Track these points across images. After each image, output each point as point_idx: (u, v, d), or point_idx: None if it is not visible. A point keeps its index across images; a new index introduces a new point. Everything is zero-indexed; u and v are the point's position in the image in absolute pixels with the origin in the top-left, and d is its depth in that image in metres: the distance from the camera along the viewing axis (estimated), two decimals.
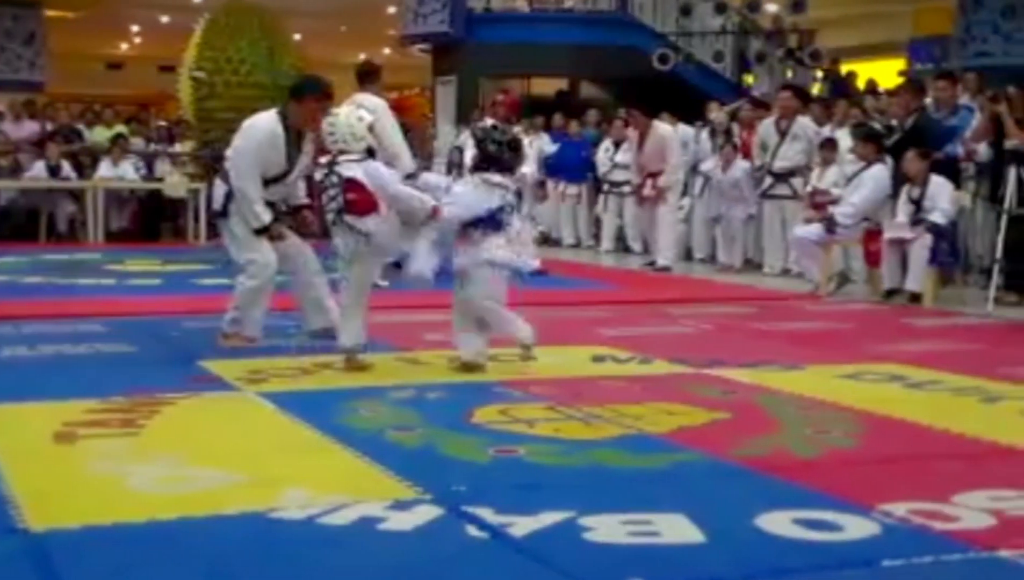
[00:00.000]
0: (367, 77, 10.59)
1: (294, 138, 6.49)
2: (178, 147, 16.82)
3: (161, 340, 7.17)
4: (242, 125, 6.61)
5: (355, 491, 3.90)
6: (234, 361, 6.34)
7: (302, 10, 20.70)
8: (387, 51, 27.98)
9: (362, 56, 30.05)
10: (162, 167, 16.45)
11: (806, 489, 4.01)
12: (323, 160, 6.21)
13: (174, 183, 15.74)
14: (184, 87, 17.05)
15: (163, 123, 18.62)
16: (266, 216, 6.50)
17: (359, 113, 6.32)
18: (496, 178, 6.09)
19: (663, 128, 12.20)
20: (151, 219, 16.21)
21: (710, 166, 12.87)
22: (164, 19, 25.53)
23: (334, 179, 6.05)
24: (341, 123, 6.13)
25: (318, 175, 6.18)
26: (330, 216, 6.10)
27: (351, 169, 6.05)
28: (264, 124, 6.48)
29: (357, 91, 10.93)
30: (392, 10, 21.72)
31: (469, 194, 6.13)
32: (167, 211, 16.43)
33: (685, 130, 13.77)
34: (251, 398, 5.49)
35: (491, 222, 6.05)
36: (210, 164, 15.32)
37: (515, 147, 6.32)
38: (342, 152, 6.07)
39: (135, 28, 28.50)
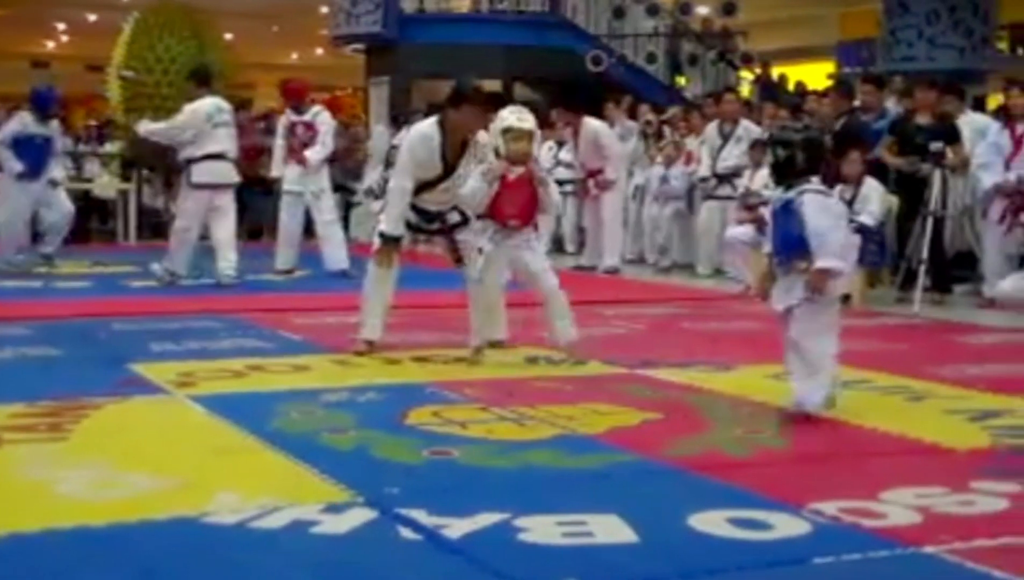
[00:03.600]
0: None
1: (454, 145, 6.47)
2: (108, 147, 16.65)
3: (89, 343, 7.08)
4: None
5: (288, 494, 3.88)
6: (164, 364, 6.28)
7: (233, 10, 20.57)
8: (320, 52, 27.89)
9: (295, 56, 29.97)
10: (91, 167, 16.25)
11: (737, 489, 4.05)
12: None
13: (104, 183, 15.56)
14: (113, 86, 16.84)
15: (93, 123, 18.40)
16: (394, 228, 6.50)
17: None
18: None
19: (593, 123, 12.22)
20: (80, 220, 15.99)
21: (656, 173, 12.94)
22: (92, 17, 25.26)
23: None
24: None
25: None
26: None
27: None
28: (421, 127, 6.57)
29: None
30: (325, 10, 21.61)
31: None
32: (97, 212, 16.24)
33: (628, 125, 13.92)
34: (182, 401, 5.43)
35: None
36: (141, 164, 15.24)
37: None
38: None
39: (61, 26, 28.16)
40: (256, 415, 5.04)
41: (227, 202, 10.30)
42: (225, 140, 10.24)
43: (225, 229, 10.24)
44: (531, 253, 6.53)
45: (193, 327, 7.63)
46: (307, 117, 11.18)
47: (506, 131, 6.38)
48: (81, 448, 4.53)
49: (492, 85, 20.36)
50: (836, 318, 5.18)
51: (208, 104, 10.23)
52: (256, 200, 16.04)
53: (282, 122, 11.48)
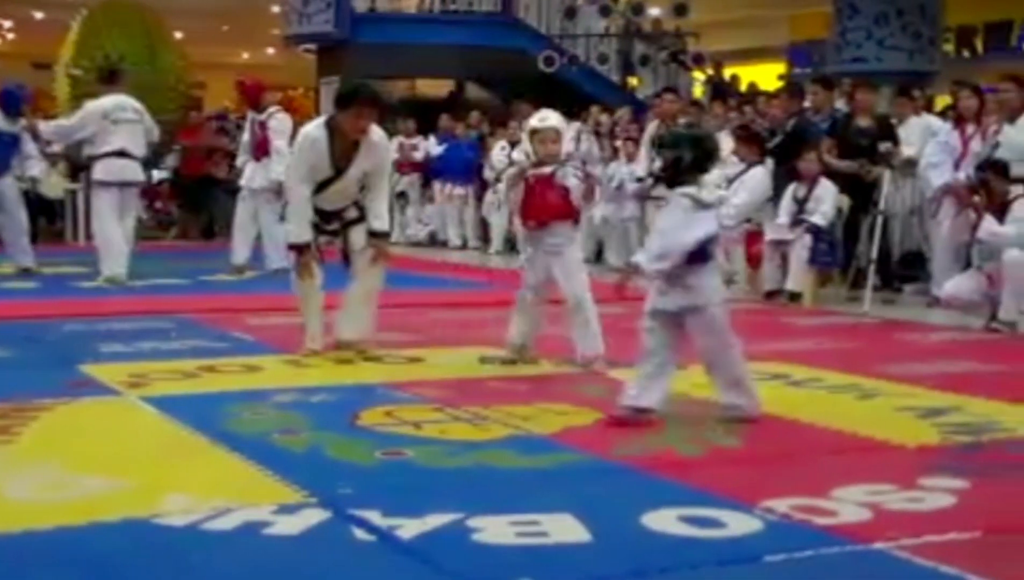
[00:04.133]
0: None
1: (344, 145, 6.39)
2: (56, 147, 16.45)
3: (38, 344, 7.01)
4: None
5: (240, 496, 3.86)
6: (116, 365, 6.23)
7: (184, 9, 20.41)
8: (271, 51, 27.73)
9: (246, 56, 29.76)
10: (39, 166, 16.04)
11: (690, 487, 4.07)
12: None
13: (52, 183, 15.38)
14: (60, 85, 16.68)
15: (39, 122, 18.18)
16: (298, 235, 6.45)
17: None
18: None
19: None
20: (28, 220, 15.80)
21: (613, 170, 12.96)
22: (38, 15, 24.96)
23: None
24: None
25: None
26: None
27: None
28: (308, 129, 6.48)
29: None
30: (276, 10, 21.50)
31: None
32: (45, 212, 16.04)
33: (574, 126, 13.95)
34: (133, 402, 5.39)
35: None
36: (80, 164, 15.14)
37: None
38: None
39: (7, 24, 27.82)
40: (208, 416, 5.01)
41: (130, 199, 10.55)
42: (127, 138, 10.34)
43: (122, 226, 10.41)
44: (559, 258, 6.34)
45: (144, 328, 7.57)
46: (262, 117, 11.26)
47: (533, 134, 6.34)
48: (31, 450, 4.48)
49: (445, 85, 20.48)
50: (726, 321, 5.15)
51: (106, 102, 10.39)
52: (213, 200, 15.99)
53: (249, 119, 11.77)
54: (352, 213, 6.66)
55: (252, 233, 11.42)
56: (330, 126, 6.41)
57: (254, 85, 11.70)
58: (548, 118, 6.35)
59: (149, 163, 12.48)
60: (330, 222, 6.65)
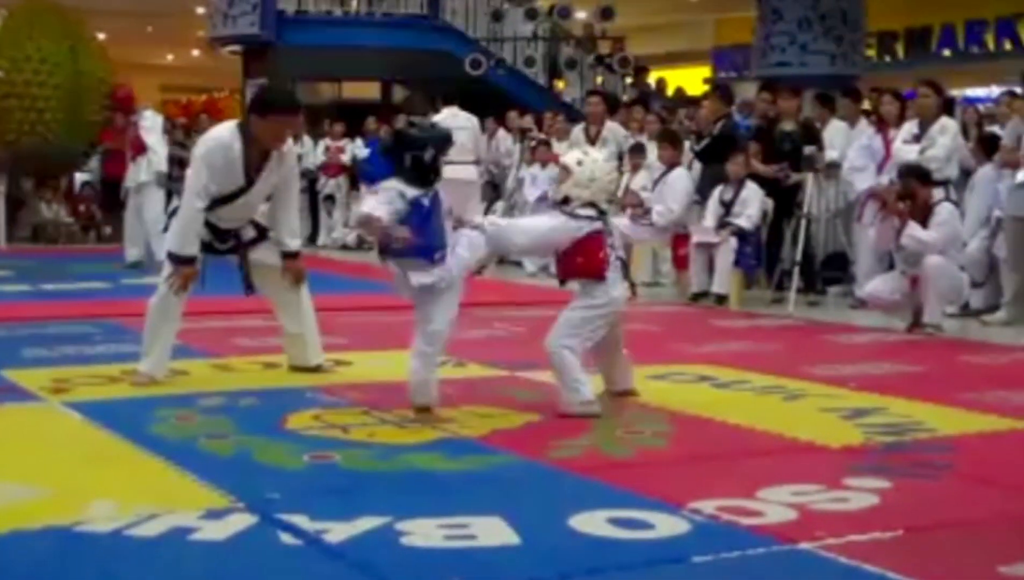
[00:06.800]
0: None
1: (256, 155, 5.76)
2: None
3: None
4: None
5: (166, 501, 3.82)
6: (37, 370, 6.13)
7: (106, 9, 20.14)
8: (196, 53, 27.47)
9: (170, 57, 29.44)
10: None
11: (618, 489, 4.09)
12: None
13: None
14: None
15: None
16: (182, 246, 5.74)
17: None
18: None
19: (463, 116, 12.36)
20: None
21: (529, 174, 12.96)
22: None
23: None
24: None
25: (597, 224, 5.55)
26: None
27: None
28: (218, 134, 5.78)
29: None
30: (201, 11, 21.30)
31: None
32: None
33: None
34: (56, 408, 5.31)
35: None
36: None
37: None
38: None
39: None
40: (133, 421, 4.95)
41: None
42: None
43: None
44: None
45: (67, 332, 7.46)
46: (135, 118, 12.31)
47: None
48: None
49: (371, 87, 20.41)
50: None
51: None
52: None
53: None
54: (250, 233, 6.04)
55: (138, 231, 12.01)
56: (244, 132, 5.76)
57: (127, 94, 13.17)
58: (568, 153, 5.83)
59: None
60: (224, 241, 6.00)
